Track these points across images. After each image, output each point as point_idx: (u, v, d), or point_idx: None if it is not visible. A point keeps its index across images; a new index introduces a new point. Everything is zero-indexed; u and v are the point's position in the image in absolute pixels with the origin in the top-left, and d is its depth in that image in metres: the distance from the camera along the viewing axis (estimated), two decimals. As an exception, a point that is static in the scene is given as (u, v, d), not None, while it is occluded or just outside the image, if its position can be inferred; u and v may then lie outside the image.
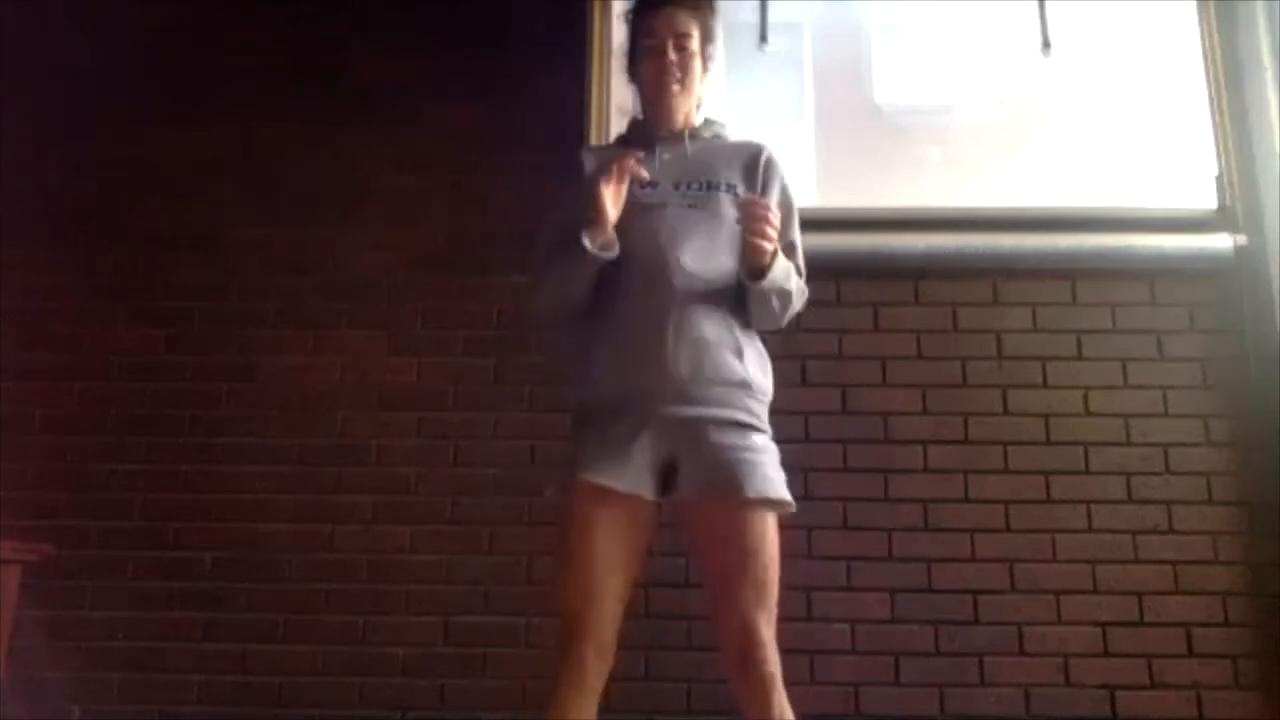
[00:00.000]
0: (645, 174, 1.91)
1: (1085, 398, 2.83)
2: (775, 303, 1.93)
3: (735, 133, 2.14)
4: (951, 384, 2.86)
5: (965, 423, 2.83)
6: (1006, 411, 2.83)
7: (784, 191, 2.05)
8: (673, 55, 2.01)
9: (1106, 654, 2.66)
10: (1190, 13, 3.11)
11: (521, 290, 2.24)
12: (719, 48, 2.11)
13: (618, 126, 3.03)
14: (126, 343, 2.97)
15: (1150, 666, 2.65)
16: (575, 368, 1.99)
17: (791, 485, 1.88)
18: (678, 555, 2.49)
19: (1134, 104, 3.10)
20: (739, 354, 1.91)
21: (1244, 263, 2.87)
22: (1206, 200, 2.96)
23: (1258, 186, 2.91)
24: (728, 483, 1.82)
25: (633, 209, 1.91)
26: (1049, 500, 2.76)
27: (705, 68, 2.07)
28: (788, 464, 1.91)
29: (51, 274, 3.01)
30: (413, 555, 2.79)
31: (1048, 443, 2.80)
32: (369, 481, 2.85)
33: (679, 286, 1.88)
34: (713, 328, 1.89)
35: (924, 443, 2.81)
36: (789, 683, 1.79)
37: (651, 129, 2.06)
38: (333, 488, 2.84)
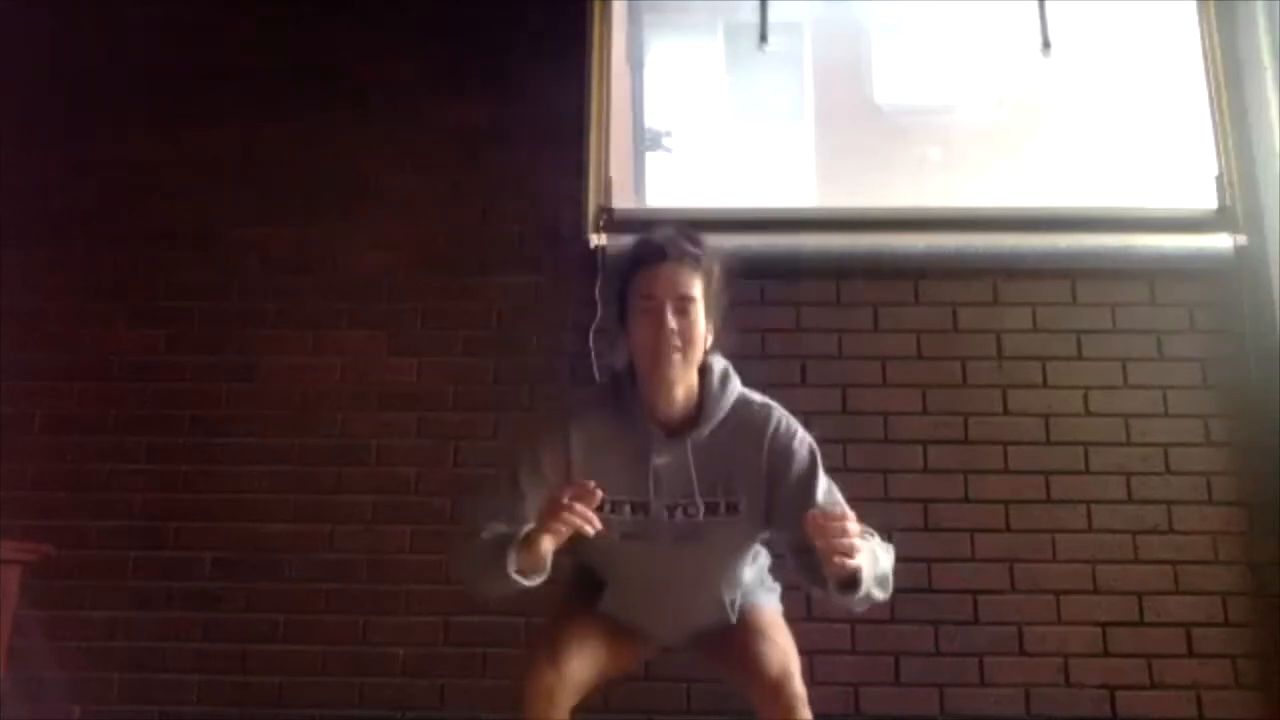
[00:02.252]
0: (596, 527, 1.61)
1: (1085, 398, 2.83)
2: (878, 593, 1.74)
3: (743, 407, 1.85)
4: (951, 384, 2.85)
5: (965, 423, 2.82)
6: (1006, 411, 2.83)
7: (801, 456, 1.83)
8: (673, 322, 1.72)
9: (1106, 654, 2.66)
10: (1190, 13, 3.11)
11: (448, 541, 2.29)
12: (724, 296, 1.84)
13: (617, 127, 3.04)
14: (126, 343, 2.97)
15: (1150, 666, 2.64)
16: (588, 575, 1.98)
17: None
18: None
19: (1134, 104, 3.11)
20: (732, 590, 1.91)
21: (1244, 263, 2.87)
22: (1206, 200, 2.97)
23: (1258, 186, 2.92)
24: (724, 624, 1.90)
25: (618, 530, 1.77)
26: (1049, 500, 2.76)
27: (711, 323, 1.79)
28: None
29: (51, 274, 3.01)
30: (413, 555, 2.78)
31: (1048, 443, 2.80)
32: (369, 481, 2.84)
33: (669, 622, 1.94)
34: (709, 604, 1.89)
35: (924, 443, 2.81)
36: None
37: (646, 414, 1.79)
38: (333, 488, 2.84)
